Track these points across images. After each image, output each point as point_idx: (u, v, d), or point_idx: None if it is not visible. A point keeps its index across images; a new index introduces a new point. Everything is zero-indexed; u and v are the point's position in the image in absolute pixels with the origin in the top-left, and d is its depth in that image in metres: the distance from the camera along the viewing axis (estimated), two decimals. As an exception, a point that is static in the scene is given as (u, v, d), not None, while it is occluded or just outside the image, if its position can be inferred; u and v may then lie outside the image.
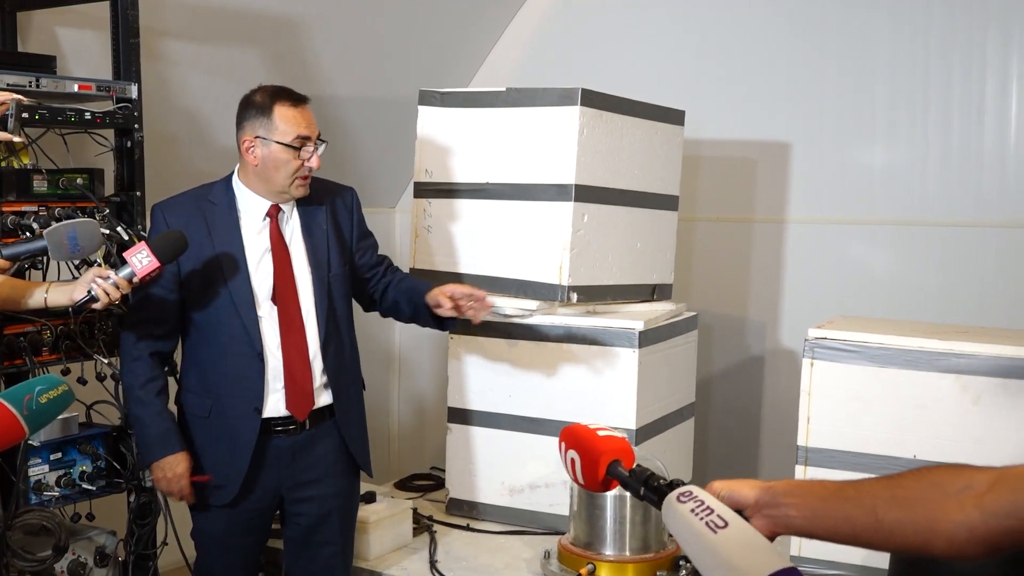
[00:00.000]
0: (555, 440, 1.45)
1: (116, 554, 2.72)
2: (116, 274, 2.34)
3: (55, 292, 2.38)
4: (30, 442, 2.49)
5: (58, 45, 3.11)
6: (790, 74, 4.01)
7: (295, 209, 2.69)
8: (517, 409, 3.33)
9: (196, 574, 2.77)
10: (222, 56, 3.55)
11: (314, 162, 2.60)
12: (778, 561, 1.12)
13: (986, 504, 1.13)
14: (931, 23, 3.75)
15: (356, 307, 2.90)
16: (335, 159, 3.56)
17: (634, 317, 3.26)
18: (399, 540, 3.20)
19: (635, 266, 3.49)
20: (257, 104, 2.58)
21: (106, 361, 2.71)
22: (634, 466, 1.35)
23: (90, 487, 2.66)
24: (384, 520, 3.14)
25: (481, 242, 3.33)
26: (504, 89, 3.32)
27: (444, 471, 3.55)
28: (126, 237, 2.67)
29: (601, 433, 1.38)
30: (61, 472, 2.61)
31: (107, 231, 2.62)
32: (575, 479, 1.40)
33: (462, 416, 3.44)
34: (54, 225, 2.23)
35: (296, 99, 2.60)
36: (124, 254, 2.38)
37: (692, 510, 1.21)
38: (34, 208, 2.55)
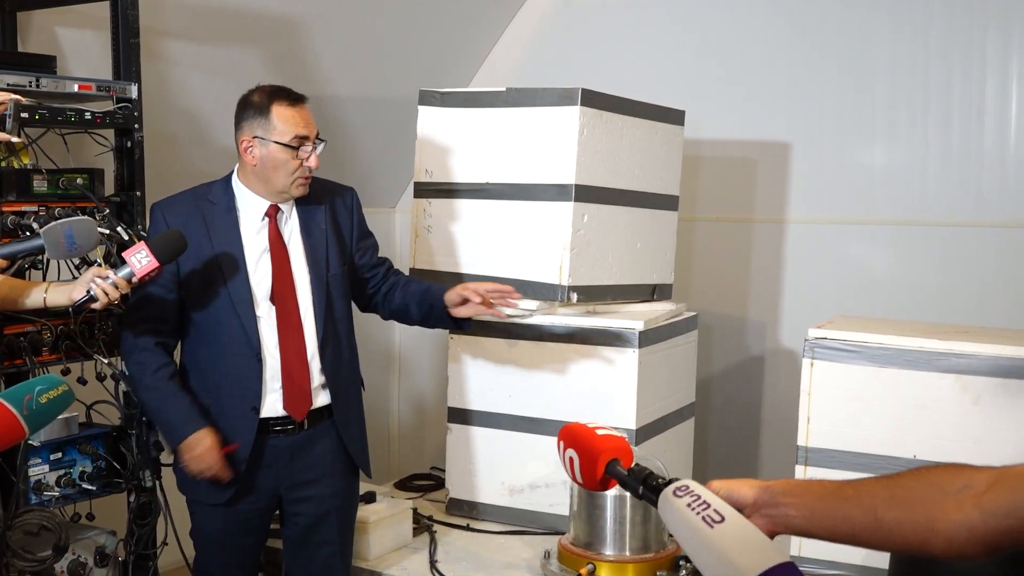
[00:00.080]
0: (555, 440, 1.45)
1: (116, 554, 2.72)
2: (115, 274, 2.34)
3: (54, 292, 2.38)
4: (30, 442, 2.49)
5: (58, 45, 3.11)
6: (790, 74, 4.01)
7: (294, 209, 2.69)
8: (517, 409, 3.33)
9: (195, 574, 2.77)
10: (222, 56, 3.55)
11: (313, 162, 2.60)
12: (775, 556, 1.12)
13: (985, 504, 1.12)
14: (931, 23, 3.75)
15: (356, 307, 2.90)
16: (335, 159, 3.57)
17: (634, 317, 3.26)
18: (399, 540, 3.20)
19: (635, 266, 3.49)
20: (255, 104, 2.58)
21: (106, 361, 2.71)
22: (633, 465, 1.35)
23: (90, 487, 2.66)
24: (384, 520, 3.14)
25: (481, 242, 3.33)
26: (504, 89, 3.32)
27: (444, 471, 3.55)
28: (126, 237, 2.67)
29: (600, 432, 1.38)
30: (61, 472, 2.61)
31: (107, 231, 2.62)
32: (573, 478, 1.40)
33: (462, 416, 3.44)
34: (51, 223, 2.23)
35: (294, 99, 2.60)
36: (123, 254, 2.38)
37: (688, 504, 1.21)
38: (34, 208, 2.55)
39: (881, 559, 2.53)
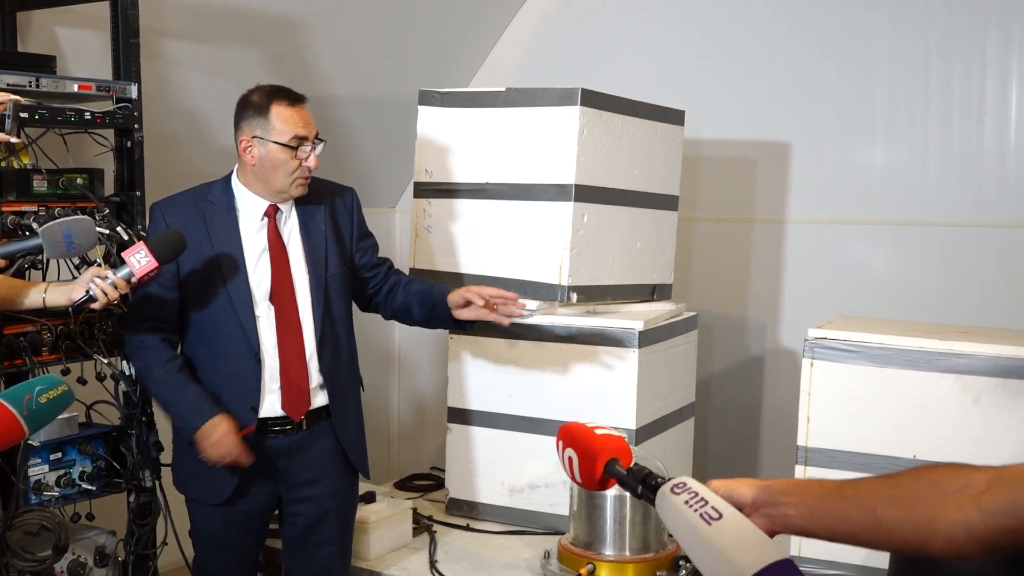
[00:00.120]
0: (555, 440, 1.44)
1: (116, 554, 2.72)
2: (114, 274, 2.34)
3: (53, 292, 2.38)
4: (30, 442, 2.49)
5: (58, 45, 3.11)
6: (790, 74, 4.01)
7: (293, 209, 2.69)
8: (517, 409, 3.33)
9: (195, 574, 2.77)
10: (222, 56, 3.55)
11: (312, 161, 2.60)
12: (773, 553, 1.12)
13: (984, 503, 1.12)
14: (931, 23, 3.75)
15: (355, 307, 2.90)
16: (335, 159, 3.57)
17: (634, 317, 3.26)
18: (399, 540, 3.20)
19: (635, 266, 3.49)
20: (254, 104, 2.58)
21: (106, 361, 2.71)
22: (632, 464, 1.35)
23: (90, 487, 2.66)
24: (384, 520, 3.14)
25: (481, 242, 3.33)
26: (504, 89, 3.32)
27: (444, 471, 3.55)
28: (126, 237, 2.67)
29: (599, 431, 1.37)
30: (61, 472, 2.61)
31: (107, 231, 2.62)
32: (572, 478, 1.40)
33: (462, 416, 3.44)
34: (49, 223, 2.23)
35: (293, 98, 2.59)
36: (122, 254, 2.38)
37: (686, 501, 1.21)
38: (34, 208, 2.55)
39: (881, 559, 2.53)
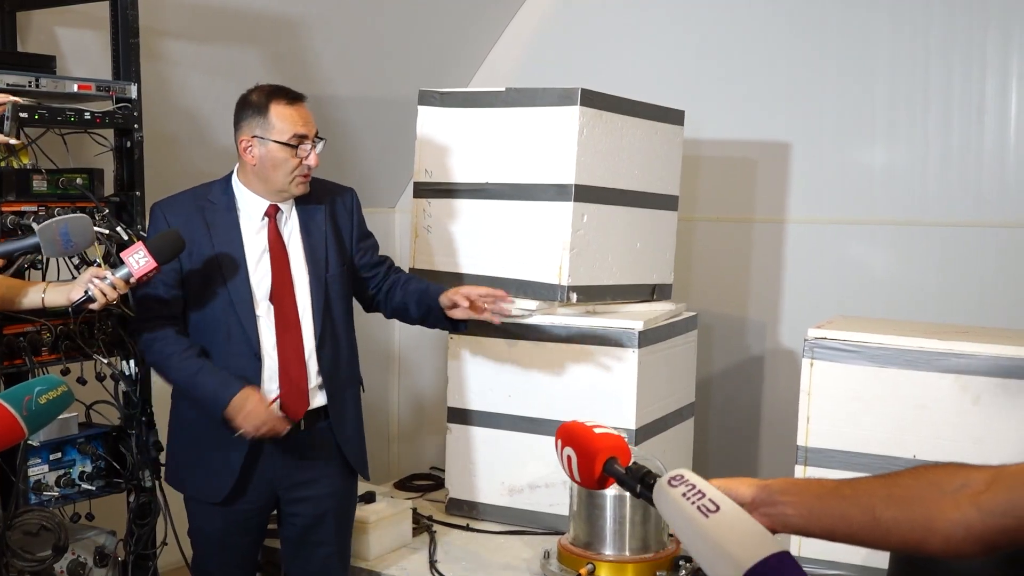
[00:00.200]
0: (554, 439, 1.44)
1: (116, 554, 2.72)
2: (113, 274, 2.35)
3: (52, 292, 2.38)
4: (30, 442, 2.49)
5: (58, 45, 3.11)
6: (790, 74, 4.01)
7: (294, 209, 2.69)
8: (517, 409, 3.33)
9: (194, 573, 2.77)
10: (222, 56, 3.55)
11: (312, 160, 2.60)
12: (771, 546, 1.11)
13: (983, 503, 1.12)
14: (931, 23, 3.75)
15: (357, 307, 2.89)
16: (335, 159, 3.57)
17: (634, 317, 3.26)
18: (399, 540, 3.20)
19: (635, 266, 3.49)
20: (253, 103, 2.58)
21: (106, 361, 2.71)
22: (630, 463, 1.35)
23: (90, 487, 2.66)
24: (384, 520, 3.14)
25: (481, 242, 3.33)
26: (504, 89, 3.32)
27: (444, 471, 3.55)
28: (125, 237, 2.67)
29: (597, 430, 1.37)
30: (61, 472, 2.61)
31: (106, 231, 2.62)
32: (571, 476, 1.40)
33: (462, 416, 3.44)
34: (46, 221, 2.23)
35: (292, 97, 2.60)
36: (121, 254, 2.38)
37: (684, 494, 1.20)
38: (34, 208, 2.55)
39: (881, 559, 2.53)
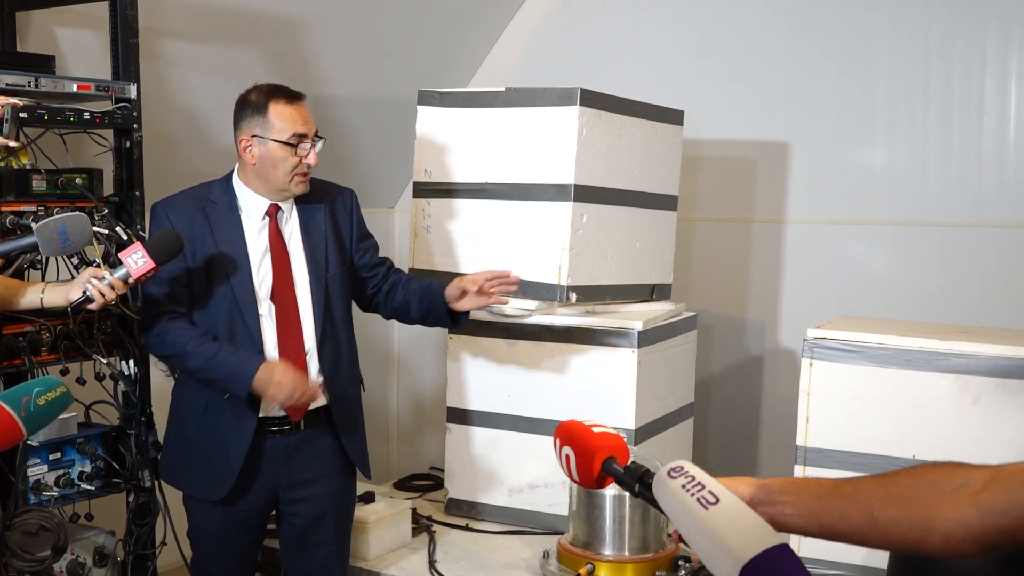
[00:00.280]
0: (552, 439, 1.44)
1: (115, 554, 2.72)
2: (111, 275, 2.34)
3: (51, 292, 2.38)
4: (29, 442, 2.49)
5: (57, 45, 3.11)
6: (790, 74, 4.01)
7: (294, 209, 2.69)
8: (516, 409, 3.33)
9: (193, 573, 2.77)
10: (222, 56, 3.55)
11: (312, 159, 2.60)
12: (771, 538, 1.11)
13: (982, 502, 1.12)
14: (931, 23, 3.75)
15: (356, 307, 2.89)
16: (335, 159, 3.57)
17: (633, 317, 3.26)
18: (398, 540, 3.19)
19: (634, 266, 3.49)
20: (253, 103, 2.58)
21: (105, 361, 2.71)
22: (629, 463, 1.34)
23: (89, 487, 2.66)
24: (383, 520, 3.14)
25: (480, 242, 3.33)
26: (503, 89, 3.32)
27: (443, 471, 3.55)
28: (125, 237, 2.67)
29: (596, 430, 1.37)
30: (60, 472, 2.61)
31: (106, 231, 2.62)
32: (570, 475, 1.39)
33: (461, 416, 3.44)
34: (44, 220, 2.23)
35: (291, 96, 2.60)
36: (120, 255, 2.38)
37: (683, 486, 1.20)
38: (33, 208, 2.55)
39: (881, 559, 2.53)
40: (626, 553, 2.80)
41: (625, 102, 3.35)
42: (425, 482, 3.87)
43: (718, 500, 1.16)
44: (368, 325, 3.34)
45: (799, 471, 2.86)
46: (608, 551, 2.80)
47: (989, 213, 3.68)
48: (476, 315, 3.11)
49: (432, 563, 3.09)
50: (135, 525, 2.78)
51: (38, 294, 2.38)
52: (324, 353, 2.66)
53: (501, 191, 3.29)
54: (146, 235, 2.73)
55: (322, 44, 3.86)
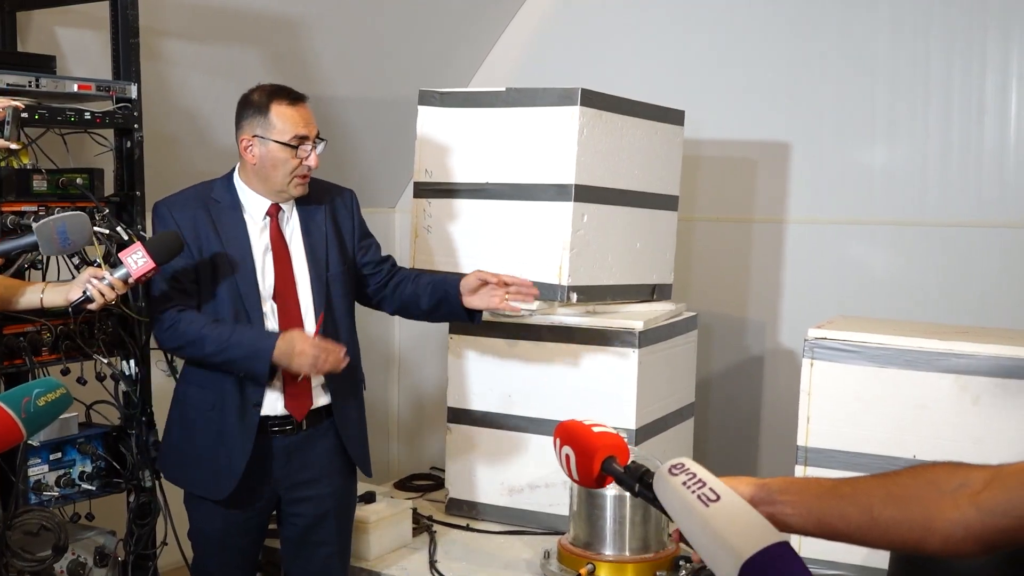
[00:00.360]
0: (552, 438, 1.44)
1: (116, 554, 2.72)
2: (111, 275, 2.34)
3: (51, 292, 2.38)
4: (30, 442, 2.49)
5: (58, 45, 3.11)
6: (790, 74, 4.01)
7: (295, 209, 2.69)
8: (517, 409, 3.33)
9: (194, 574, 2.77)
10: (222, 56, 3.56)
11: (312, 161, 2.60)
12: (771, 536, 1.11)
13: (982, 502, 1.12)
14: (931, 23, 3.75)
15: (358, 307, 2.89)
16: (335, 159, 3.57)
17: (634, 317, 3.26)
18: (399, 540, 3.19)
19: (635, 266, 3.49)
20: (255, 103, 2.58)
21: (106, 361, 2.71)
22: (629, 462, 1.34)
23: (90, 487, 2.66)
24: (384, 520, 3.14)
25: (481, 242, 3.33)
26: (504, 89, 3.32)
27: (444, 471, 3.55)
28: (125, 237, 2.67)
29: (596, 429, 1.37)
30: (60, 472, 2.61)
31: (106, 231, 2.62)
32: (569, 475, 1.39)
33: (462, 416, 3.44)
34: (43, 219, 2.23)
35: (294, 98, 2.60)
36: (120, 255, 2.38)
37: (684, 483, 1.19)
38: (34, 208, 2.55)
39: (881, 559, 2.53)
40: (627, 553, 2.80)
41: (625, 102, 3.36)
42: (425, 482, 3.87)
43: (719, 497, 1.16)
44: (369, 325, 3.34)
45: (799, 471, 2.86)
46: (609, 551, 2.80)
47: (989, 213, 3.68)
48: (476, 314, 3.11)
49: (432, 563, 3.09)
50: (136, 525, 2.78)
51: (38, 294, 2.38)
52: (325, 353, 2.66)
53: (502, 191, 3.29)
54: (147, 235, 2.73)
55: (322, 44, 3.86)
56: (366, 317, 3.01)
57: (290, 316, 2.63)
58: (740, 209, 4.14)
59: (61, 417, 2.35)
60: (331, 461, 2.71)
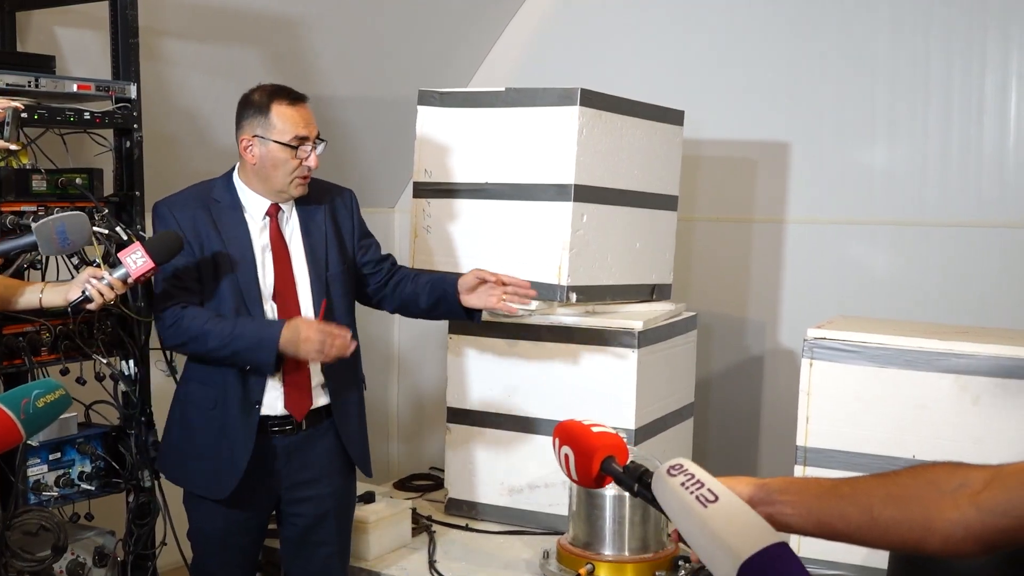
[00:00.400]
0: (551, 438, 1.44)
1: (115, 554, 2.72)
2: (110, 274, 2.34)
3: (50, 292, 2.38)
4: (29, 442, 2.48)
5: (57, 45, 3.11)
6: (790, 74, 4.01)
7: (294, 209, 2.69)
8: (516, 409, 3.33)
9: (193, 574, 2.76)
10: (222, 56, 3.56)
11: (312, 161, 2.60)
12: (770, 536, 1.11)
13: (982, 502, 1.12)
14: (931, 23, 3.75)
15: (358, 307, 2.89)
16: (335, 159, 3.57)
17: (633, 317, 3.26)
18: (398, 540, 3.19)
19: (634, 266, 3.49)
20: (255, 103, 2.58)
21: (105, 361, 2.71)
22: (628, 462, 1.34)
23: (89, 487, 2.66)
24: (383, 520, 3.14)
25: (480, 242, 3.33)
26: (503, 89, 3.32)
27: (443, 471, 3.55)
28: (125, 237, 2.67)
29: (595, 429, 1.37)
30: (60, 472, 2.61)
31: (106, 231, 2.62)
32: (569, 475, 1.39)
33: (461, 416, 3.44)
34: (43, 219, 2.23)
35: (294, 98, 2.59)
36: (119, 254, 2.38)
37: (682, 483, 1.19)
38: (33, 208, 2.55)
39: (881, 559, 2.53)
40: (626, 553, 2.80)
41: (625, 102, 3.36)
42: (425, 482, 3.87)
43: (717, 498, 1.16)
44: (369, 325, 3.34)
45: (799, 471, 2.86)
46: (608, 551, 2.80)
47: (989, 213, 3.68)
48: (476, 314, 3.11)
49: (432, 563, 3.09)
50: (135, 525, 2.78)
51: (37, 294, 2.38)
52: (325, 353, 2.66)
53: (501, 191, 3.29)
54: (147, 235, 2.73)
55: (322, 44, 3.86)
56: (366, 317, 3.01)
57: (290, 316, 2.62)
58: (740, 209, 4.14)
59: (60, 417, 2.35)
60: (331, 461, 2.71)
